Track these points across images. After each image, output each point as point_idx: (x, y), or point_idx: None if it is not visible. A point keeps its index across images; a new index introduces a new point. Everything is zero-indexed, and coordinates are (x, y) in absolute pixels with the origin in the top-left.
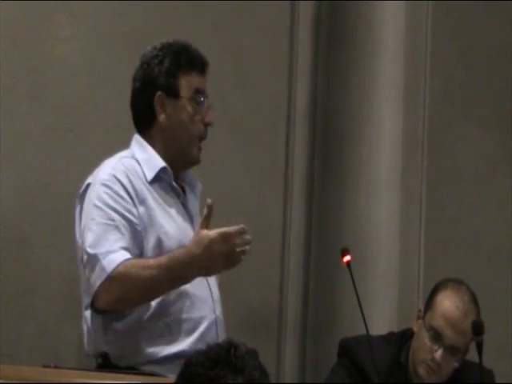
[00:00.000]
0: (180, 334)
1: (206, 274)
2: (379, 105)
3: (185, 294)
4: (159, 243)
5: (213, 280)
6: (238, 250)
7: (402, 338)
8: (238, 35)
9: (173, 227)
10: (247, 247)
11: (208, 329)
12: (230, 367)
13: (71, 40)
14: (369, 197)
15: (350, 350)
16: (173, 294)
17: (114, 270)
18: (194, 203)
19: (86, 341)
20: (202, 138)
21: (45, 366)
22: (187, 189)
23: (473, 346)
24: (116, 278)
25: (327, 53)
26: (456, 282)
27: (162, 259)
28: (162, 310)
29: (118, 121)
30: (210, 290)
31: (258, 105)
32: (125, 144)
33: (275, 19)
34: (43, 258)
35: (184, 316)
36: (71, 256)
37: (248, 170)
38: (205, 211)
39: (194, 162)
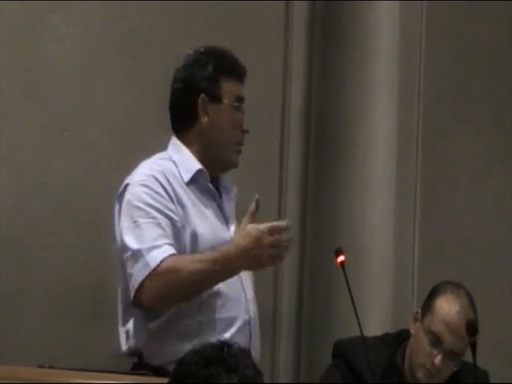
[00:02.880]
0: (212, 334)
1: (253, 266)
2: (374, 105)
3: (218, 294)
4: (195, 244)
5: (247, 280)
6: (283, 244)
7: (398, 340)
8: (233, 35)
9: (207, 228)
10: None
11: (240, 329)
12: (223, 366)
13: (67, 40)
14: (363, 197)
15: (344, 352)
16: (206, 293)
17: (159, 265)
18: (229, 206)
19: (122, 340)
20: (239, 143)
21: (39, 366)
22: (223, 192)
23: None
24: (161, 273)
25: (322, 53)
26: (455, 286)
27: (208, 253)
28: (195, 309)
29: (113, 121)
30: (244, 290)
31: (253, 105)
32: (120, 144)
33: (269, 19)
34: (38, 258)
35: (216, 316)
36: (66, 256)
37: (242, 170)
38: (252, 206)
39: (233, 165)
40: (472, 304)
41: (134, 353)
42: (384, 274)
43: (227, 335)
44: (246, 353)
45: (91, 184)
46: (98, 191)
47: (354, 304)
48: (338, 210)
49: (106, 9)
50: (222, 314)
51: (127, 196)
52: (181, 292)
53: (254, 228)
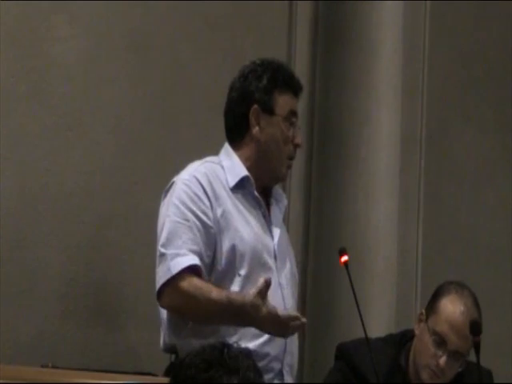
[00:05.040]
0: (247, 337)
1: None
2: (377, 105)
3: None
4: (233, 248)
5: (288, 290)
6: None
7: (402, 340)
8: (236, 35)
9: (248, 233)
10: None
11: (275, 337)
12: (224, 368)
13: (70, 40)
14: (367, 197)
15: (347, 354)
16: None
17: (179, 274)
18: (277, 216)
19: (162, 336)
20: (290, 157)
21: (43, 366)
22: (273, 203)
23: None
24: (180, 291)
25: (325, 53)
26: (459, 286)
27: (224, 297)
28: None
29: (117, 120)
30: (284, 299)
31: None
32: (124, 144)
33: (273, 19)
34: (41, 257)
35: None
36: (69, 256)
37: None
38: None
39: (281, 179)
40: (476, 304)
41: (169, 349)
42: (388, 274)
43: (263, 339)
44: (246, 353)
45: (94, 184)
46: (101, 191)
47: (357, 304)
48: (342, 209)
49: (109, 8)
50: None
51: (170, 193)
52: (192, 315)
53: (275, 310)
